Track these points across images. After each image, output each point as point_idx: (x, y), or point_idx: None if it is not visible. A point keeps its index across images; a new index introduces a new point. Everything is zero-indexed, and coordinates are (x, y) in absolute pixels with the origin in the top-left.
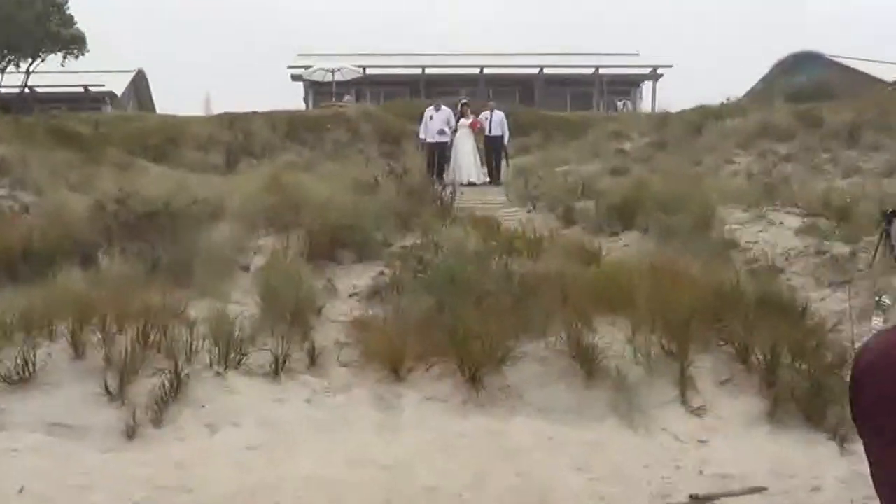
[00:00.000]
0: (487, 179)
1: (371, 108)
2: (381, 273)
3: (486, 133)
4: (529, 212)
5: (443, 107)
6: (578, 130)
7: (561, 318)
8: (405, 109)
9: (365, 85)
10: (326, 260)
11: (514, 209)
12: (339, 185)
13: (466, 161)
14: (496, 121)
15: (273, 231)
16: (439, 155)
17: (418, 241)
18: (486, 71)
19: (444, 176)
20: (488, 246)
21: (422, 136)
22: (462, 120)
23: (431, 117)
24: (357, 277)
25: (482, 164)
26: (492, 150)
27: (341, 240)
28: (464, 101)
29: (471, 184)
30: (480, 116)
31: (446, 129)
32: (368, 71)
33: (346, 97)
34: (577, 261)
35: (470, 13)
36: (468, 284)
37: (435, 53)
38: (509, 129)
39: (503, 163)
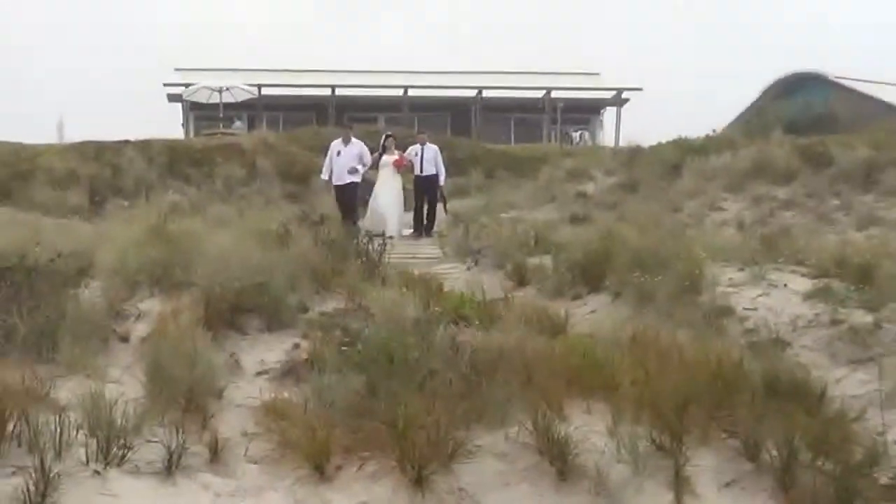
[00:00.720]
0: (410, 231)
1: (270, 138)
2: (297, 346)
3: (417, 172)
4: (469, 268)
5: (353, 139)
6: (527, 167)
7: (524, 403)
8: (312, 139)
9: (260, 109)
10: (227, 328)
11: (450, 265)
12: (239, 235)
13: (389, 209)
14: (428, 157)
15: (159, 292)
16: (348, 200)
17: (342, 306)
18: (411, 93)
19: (358, 225)
20: (430, 312)
21: (324, 176)
22: (384, 157)
23: (339, 153)
24: (266, 351)
25: (406, 210)
26: (423, 194)
27: (246, 303)
28: (388, 133)
29: (389, 236)
30: (408, 151)
31: (359, 168)
32: (265, 91)
33: (237, 123)
34: (538, 331)
35: (392, 27)
36: (408, 361)
37: (348, 70)
38: (444, 165)
39: (440, 208)
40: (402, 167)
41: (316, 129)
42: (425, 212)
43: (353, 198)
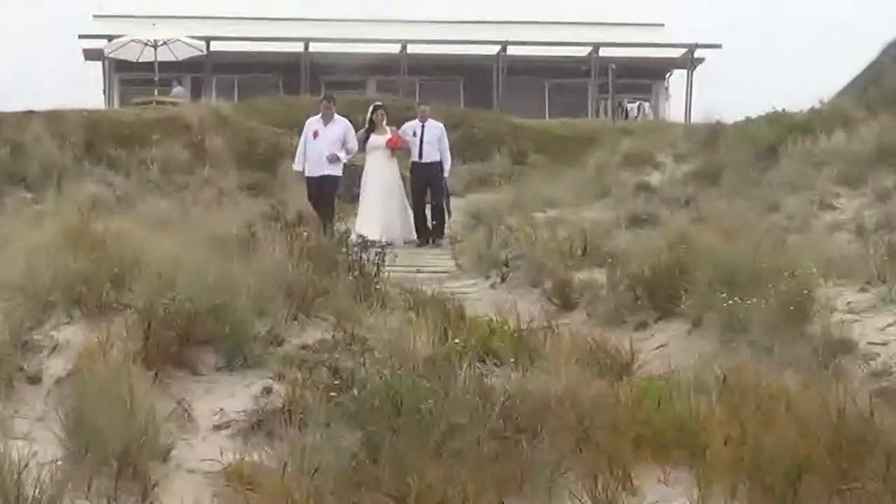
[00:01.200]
0: (414, 237)
1: (223, 109)
2: (269, 390)
3: (415, 158)
4: (495, 286)
5: (336, 116)
6: (570, 150)
7: (578, 468)
8: (279, 112)
9: (209, 70)
10: (175, 366)
11: (469, 282)
12: (188, 240)
13: (382, 204)
14: (430, 137)
15: (81, 316)
16: (325, 197)
17: (329, 337)
18: (410, 49)
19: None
20: (448, 346)
21: (297, 166)
22: (373, 137)
23: (315, 134)
24: (227, 396)
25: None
26: (424, 187)
27: (198, 332)
28: (377, 104)
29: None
30: (403, 129)
31: (340, 155)
32: (215, 46)
33: (177, 88)
34: (595, 372)
35: None
36: (420, 412)
37: (326, 19)
38: (451, 150)
39: (444, 207)
40: (399, 148)
41: (283, 98)
42: (429, 211)
43: (330, 195)
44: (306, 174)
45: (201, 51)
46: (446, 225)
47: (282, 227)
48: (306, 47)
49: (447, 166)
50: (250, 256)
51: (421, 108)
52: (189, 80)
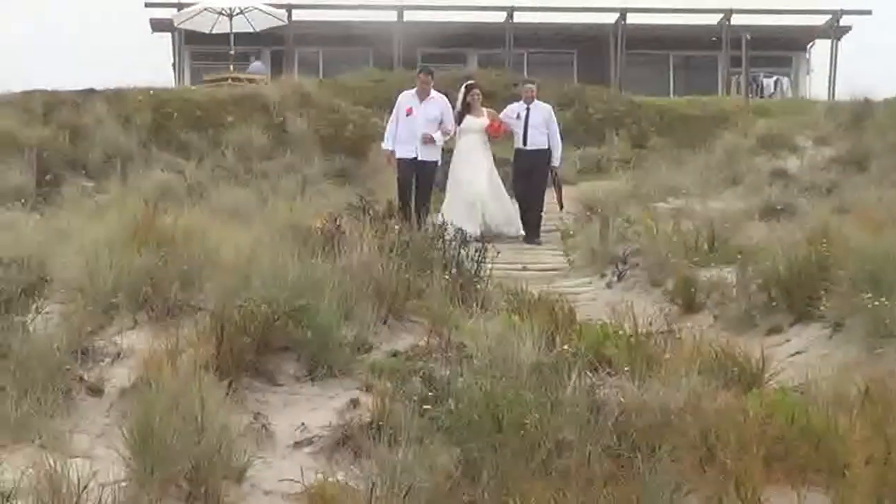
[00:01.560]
0: (521, 232)
1: (306, 86)
2: (355, 402)
3: (519, 145)
4: (611, 285)
5: (433, 92)
6: (697, 132)
7: (703, 490)
8: (370, 89)
9: (291, 42)
10: (251, 375)
11: (581, 281)
12: (265, 234)
13: (476, 195)
14: (537, 121)
15: (147, 320)
16: (423, 185)
17: (423, 343)
18: (517, 18)
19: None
20: (557, 353)
21: (387, 145)
22: (468, 118)
23: (410, 111)
24: (309, 410)
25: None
26: (528, 178)
27: (277, 338)
28: (470, 83)
29: (480, 238)
30: (506, 112)
31: (437, 136)
32: (297, 15)
33: (256, 63)
34: (721, 383)
35: None
36: (524, 427)
37: None
38: (561, 134)
39: (540, 202)
40: (500, 135)
41: (375, 72)
42: (528, 206)
43: (427, 184)
44: (400, 155)
45: (282, 20)
46: (560, 217)
47: (371, 219)
48: (400, 16)
49: (557, 153)
50: (335, 253)
51: (526, 88)
52: (269, 53)
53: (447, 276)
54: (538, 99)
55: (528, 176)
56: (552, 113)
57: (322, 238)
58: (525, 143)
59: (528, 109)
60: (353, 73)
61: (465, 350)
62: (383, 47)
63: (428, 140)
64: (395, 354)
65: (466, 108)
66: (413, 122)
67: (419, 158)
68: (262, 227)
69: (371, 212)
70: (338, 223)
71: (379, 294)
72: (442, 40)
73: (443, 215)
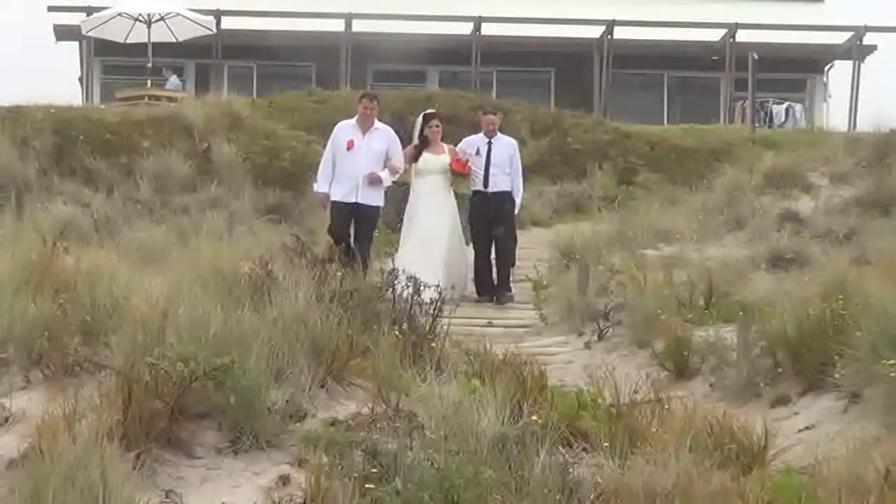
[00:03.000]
0: (472, 291)
1: (237, 106)
2: (286, 479)
3: (479, 186)
4: (590, 346)
5: (378, 123)
6: (694, 167)
7: None
8: (311, 111)
9: (219, 55)
10: (163, 446)
11: (556, 339)
12: (184, 280)
13: (437, 244)
14: (500, 158)
15: (43, 379)
16: (362, 230)
17: (367, 411)
18: (486, 30)
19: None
20: (524, 424)
21: (321, 186)
22: (427, 155)
23: (350, 144)
24: (229, 487)
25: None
26: (489, 225)
27: (194, 403)
28: (429, 112)
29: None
30: (463, 146)
31: (384, 175)
32: (227, 23)
33: (172, 78)
34: (715, 461)
35: None
36: None
37: None
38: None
39: (511, 252)
40: (463, 175)
41: (317, 93)
42: (496, 258)
43: (367, 232)
44: (334, 198)
45: (209, 29)
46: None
47: (308, 264)
48: (348, 25)
49: (518, 199)
50: (266, 303)
51: (488, 118)
52: (193, 67)
53: (397, 332)
54: (499, 133)
55: (491, 224)
56: (516, 149)
57: (250, 285)
58: (486, 184)
59: (489, 144)
60: (292, 93)
61: (417, 419)
62: (328, 63)
63: (374, 180)
64: (333, 423)
65: (424, 143)
66: (354, 158)
67: (359, 202)
68: (181, 272)
69: (309, 255)
70: (269, 268)
71: (316, 352)
72: (397, 55)
73: (393, 262)
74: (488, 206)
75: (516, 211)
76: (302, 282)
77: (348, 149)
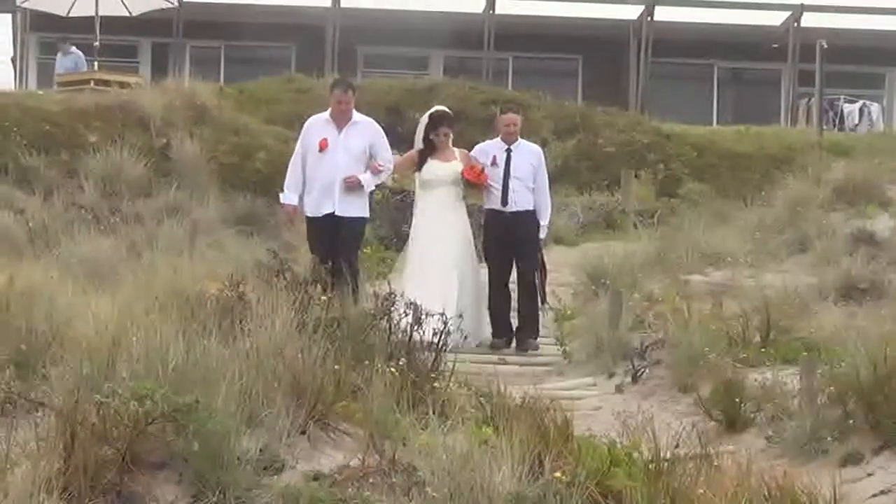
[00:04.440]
0: (487, 335)
1: (202, 95)
2: None
3: (496, 204)
4: (623, 389)
5: (356, 115)
6: (749, 176)
7: None
8: (291, 101)
9: (179, 34)
10: (111, 501)
11: (583, 380)
12: (138, 303)
13: (448, 270)
14: (522, 169)
15: None
16: (346, 245)
17: (357, 463)
18: (501, 9)
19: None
20: (546, 482)
21: (289, 197)
22: (434, 163)
23: (324, 143)
24: None
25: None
26: (509, 251)
27: (150, 450)
28: (438, 111)
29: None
30: (477, 153)
31: (366, 178)
32: None
33: (72, 52)
34: None
35: None
36: None
37: None
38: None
39: (539, 287)
40: (483, 183)
41: (299, 79)
42: (519, 295)
43: (352, 248)
44: (308, 212)
45: (170, 2)
46: (542, 315)
47: (288, 285)
48: (336, 1)
49: (545, 220)
50: (236, 332)
51: (507, 118)
52: (149, 47)
53: (393, 369)
54: (522, 139)
55: (510, 250)
56: (541, 159)
57: (218, 310)
58: (505, 202)
59: (508, 152)
60: (268, 80)
61: (416, 474)
62: (310, 44)
63: (352, 184)
64: (316, 477)
65: (430, 149)
66: (329, 161)
67: (338, 214)
68: (134, 292)
69: (288, 275)
70: (240, 289)
71: (297, 391)
72: (394, 36)
73: (389, 286)
74: (507, 229)
75: (543, 234)
76: (280, 307)
77: (321, 149)
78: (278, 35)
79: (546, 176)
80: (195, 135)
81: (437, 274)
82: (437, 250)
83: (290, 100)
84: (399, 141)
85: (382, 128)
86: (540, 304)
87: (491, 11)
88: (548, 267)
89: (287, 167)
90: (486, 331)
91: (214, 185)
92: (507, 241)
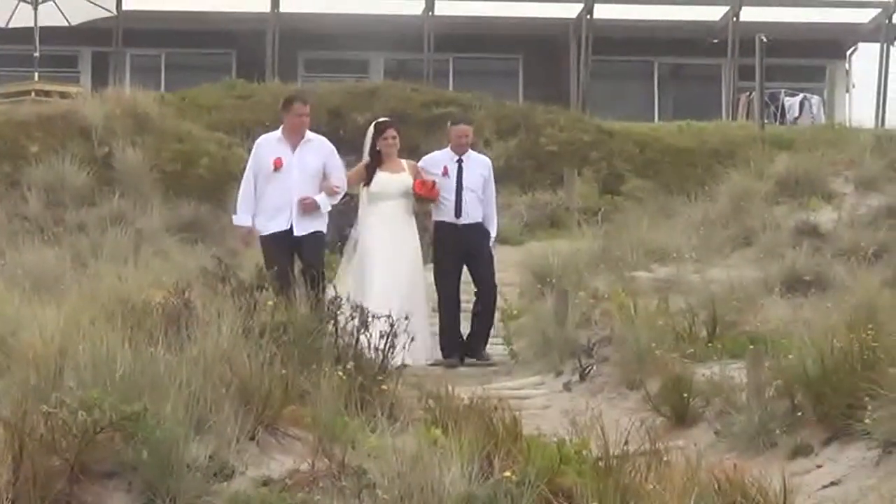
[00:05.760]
0: (436, 352)
1: (144, 103)
2: None
3: (448, 216)
4: (570, 387)
5: (310, 134)
6: (692, 172)
7: None
8: (233, 108)
9: (120, 42)
10: None
11: (531, 379)
12: (83, 313)
13: (393, 289)
14: (474, 180)
15: None
16: (310, 260)
17: (306, 467)
18: (439, 8)
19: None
20: (495, 482)
21: (242, 218)
22: (382, 175)
23: (278, 163)
24: None
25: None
26: (460, 264)
27: (99, 459)
28: (382, 120)
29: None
30: (426, 164)
31: (321, 199)
32: (130, 4)
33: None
34: None
35: None
36: None
37: None
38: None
39: (493, 298)
40: (435, 197)
41: (241, 85)
42: (479, 304)
43: (315, 264)
44: (263, 232)
45: (109, 11)
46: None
47: (234, 291)
48: (275, 5)
49: (494, 230)
50: (183, 339)
51: (459, 128)
52: (89, 56)
53: (341, 373)
54: (473, 150)
55: (460, 264)
56: (492, 170)
57: (164, 318)
58: (459, 214)
59: (460, 163)
60: (209, 86)
61: (366, 477)
62: (251, 50)
63: (308, 206)
64: (266, 483)
65: (378, 160)
66: (284, 181)
67: (296, 234)
68: (79, 302)
69: (233, 280)
70: (186, 296)
71: (244, 397)
72: (334, 40)
73: (335, 287)
74: (460, 241)
75: (492, 242)
76: (226, 313)
77: (276, 169)
78: (218, 41)
79: (494, 187)
80: (137, 143)
81: (386, 292)
82: (388, 268)
83: (232, 106)
84: (342, 144)
85: (324, 133)
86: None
87: (430, 13)
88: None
89: (236, 172)
90: (429, 346)
91: (158, 192)
92: (460, 254)
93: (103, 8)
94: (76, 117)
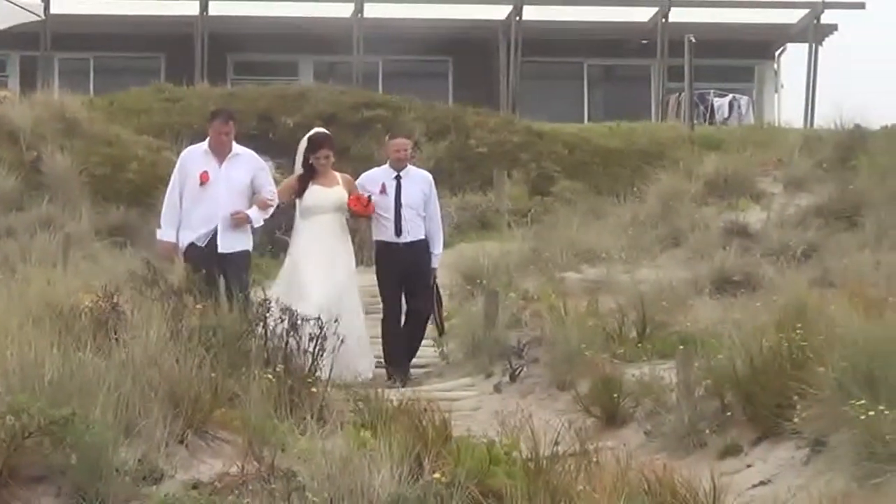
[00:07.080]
0: (374, 366)
1: (72, 107)
2: None
3: (388, 236)
4: (501, 389)
5: (237, 147)
6: (622, 173)
7: None
8: (162, 111)
9: (48, 45)
10: None
11: (461, 381)
12: (14, 316)
13: (325, 306)
14: (414, 197)
15: None
16: (231, 279)
17: (236, 470)
18: (368, 11)
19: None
20: (425, 483)
21: (167, 234)
22: (316, 189)
23: (205, 177)
24: None
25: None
26: (400, 283)
27: (28, 463)
28: (316, 133)
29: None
30: (364, 182)
31: (254, 213)
32: (58, 8)
33: None
34: None
35: None
36: None
37: None
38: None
39: (438, 319)
40: (370, 214)
41: (169, 89)
42: (409, 330)
43: (240, 274)
44: (185, 242)
45: (37, 15)
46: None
47: (162, 295)
48: (203, 8)
49: (438, 248)
50: (112, 343)
51: (397, 143)
52: (17, 61)
53: (270, 375)
54: (412, 165)
55: (400, 283)
56: (432, 186)
57: (93, 322)
58: (399, 232)
59: (398, 180)
60: (138, 90)
61: (296, 479)
62: (179, 53)
63: (240, 221)
64: (195, 486)
65: (311, 174)
66: (211, 195)
67: (221, 251)
68: (8, 307)
69: (162, 284)
70: (115, 300)
71: (173, 400)
72: (263, 43)
73: (265, 293)
74: (401, 260)
75: (436, 263)
76: (154, 317)
77: (202, 183)
78: (147, 45)
79: (437, 203)
80: (66, 147)
81: (319, 303)
82: (322, 286)
83: (161, 109)
84: (271, 147)
85: (254, 136)
86: (438, 335)
87: (359, 15)
88: (442, 294)
89: (164, 176)
90: (368, 359)
91: (87, 197)
92: (401, 273)
93: (32, 13)
94: (4, 121)
